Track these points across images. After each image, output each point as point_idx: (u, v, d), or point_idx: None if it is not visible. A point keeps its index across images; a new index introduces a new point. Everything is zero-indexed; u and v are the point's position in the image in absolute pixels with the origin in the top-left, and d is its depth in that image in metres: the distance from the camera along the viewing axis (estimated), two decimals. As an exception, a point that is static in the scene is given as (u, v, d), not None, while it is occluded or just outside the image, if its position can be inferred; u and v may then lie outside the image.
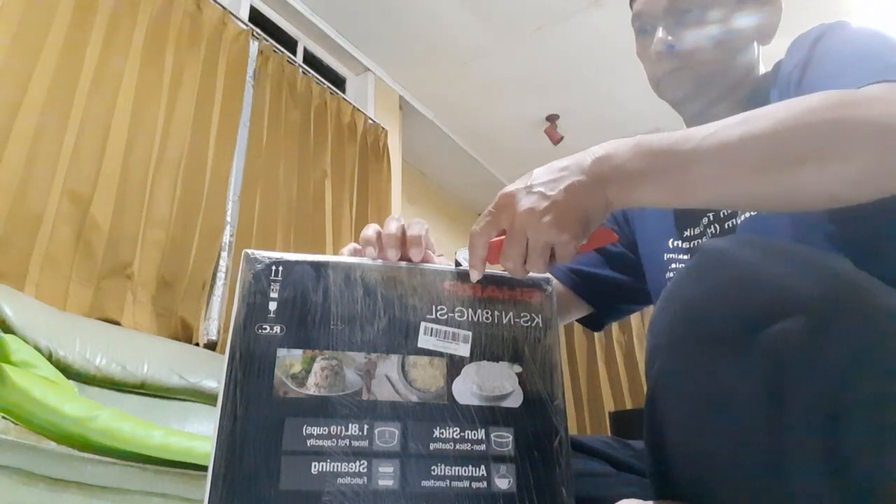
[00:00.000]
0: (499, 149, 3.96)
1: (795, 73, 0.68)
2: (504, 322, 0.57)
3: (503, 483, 0.51)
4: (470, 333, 0.56)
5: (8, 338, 1.34)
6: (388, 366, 0.54)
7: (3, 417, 1.10)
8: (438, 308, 0.57)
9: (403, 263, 0.59)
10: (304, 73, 2.85)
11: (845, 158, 0.47)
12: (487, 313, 0.57)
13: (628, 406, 3.91)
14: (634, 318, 4.19)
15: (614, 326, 4.22)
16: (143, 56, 2.13)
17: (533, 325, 0.57)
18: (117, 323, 1.82)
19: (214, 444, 0.50)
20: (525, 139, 3.82)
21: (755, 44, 0.82)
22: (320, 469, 0.49)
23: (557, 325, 0.58)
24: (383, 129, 3.22)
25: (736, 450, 0.42)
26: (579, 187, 0.53)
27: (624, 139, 0.55)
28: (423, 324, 0.56)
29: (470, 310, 0.57)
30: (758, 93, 0.79)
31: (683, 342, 0.45)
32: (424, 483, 0.50)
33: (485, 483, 0.50)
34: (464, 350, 0.56)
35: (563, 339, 4.15)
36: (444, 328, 0.56)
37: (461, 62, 3.26)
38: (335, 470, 0.49)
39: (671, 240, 0.83)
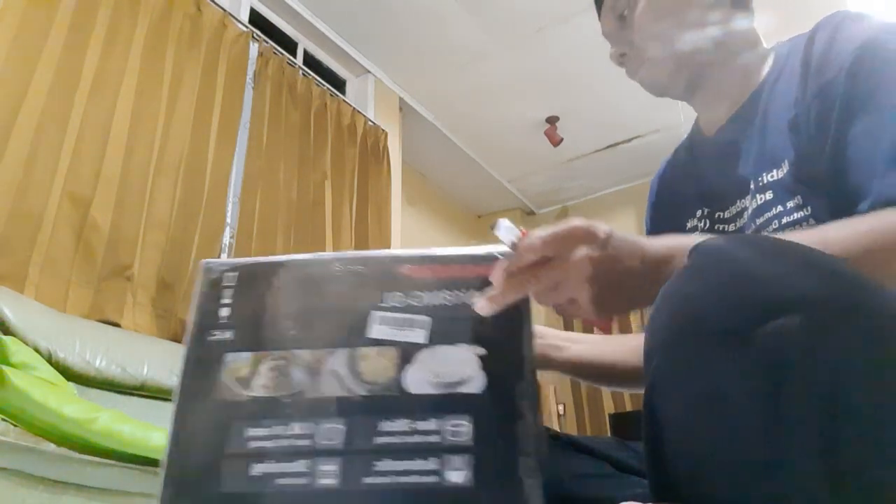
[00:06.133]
0: (499, 150, 3.96)
1: (829, 99, 0.66)
2: (466, 301, 0.53)
3: (457, 476, 0.46)
4: (428, 318, 0.53)
5: (8, 339, 1.34)
6: (337, 361, 0.52)
7: (3, 419, 1.10)
8: (393, 295, 0.54)
9: (358, 253, 0.57)
10: (304, 74, 2.86)
11: None
12: (448, 294, 0.54)
13: (628, 408, 3.91)
14: (634, 319, 4.18)
15: (614, 328, 4.21)
16: (144, 58, 2.13)
17: None
18: (117, 325, 1.82)
19: (166, 450, 0.51)
20: (525, 141, 3.82)
21: (716, 8, 0.80)
22: (261, 471, 0.48)
23: (528, 298, 0.54)
24: (383, 130, 3.23)
25: (732, 449, 0.41)
26: (633, 282, 0.53)
27: (687, 239, 0.53)
28: (375, 313, 0.53)
29: (428, 293, 0.54)
30: (744, 72, 0.79)
31: (680, 341, 0.45)
32: (366, 480, 0.47)
33: (436, 477, 0.47)
34: (419, 336, 0.52)
35: (564, 341, 4.14)
36: (398, 315, 0.53)
37: (461, 64, 3.26)
38: (275, 471, 0.48)
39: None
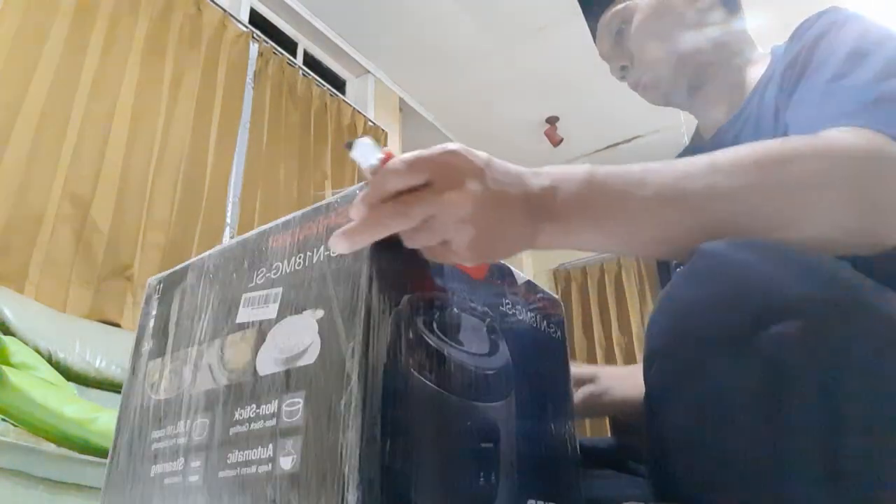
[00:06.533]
0: (499, 151, 3.91)
1: (792, 74, 0.68)
2: (315, 261, 0.46)
3: (287, 462, 0.41)
4: (280, 290, 0.47)
5: (8, 340, 1.34)
6: (211, 353, 0.50)
7: (3, 419, 1.10)
8: (260, 272, 0.49)
9: (241, 237, 0.54)
10: (304, 74, 2.86)
11: (807, 225, 0.47)
12: (300, 258, 0.47)
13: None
14: (634, 320, 4.19)
15: (614, 328, 4.22)
16: (144, 58, 2.13)
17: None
18: (117, 325, 1.82)
19: (108, 455, 0.55)
20: (525, 141, 3.82)
21: (709, 15, 0.82)
22: (156, 471, 0.50)
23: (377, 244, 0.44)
24: (383, 130, 3.23)
25: (733, 453, 0.42)
26: (515, 222, 0.46)
27: (572, 168, 0.49)
28: (244, 296, 0.49)
29: (285, 261, 0.48)
30: (741, 74, 0.81)
31: (680, 345, 0.45)
32: (221, 474, 0.44)
33: (269, 465, 0.41)
34: (272, 311, 0.46)
35: (564, 341, 4.15)
36: (259, 293, 0.48)
37: (461, 64, 3.26)
38: (164, 470, 0.49)
39: None
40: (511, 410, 0.50)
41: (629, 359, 4.07)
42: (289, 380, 0.43)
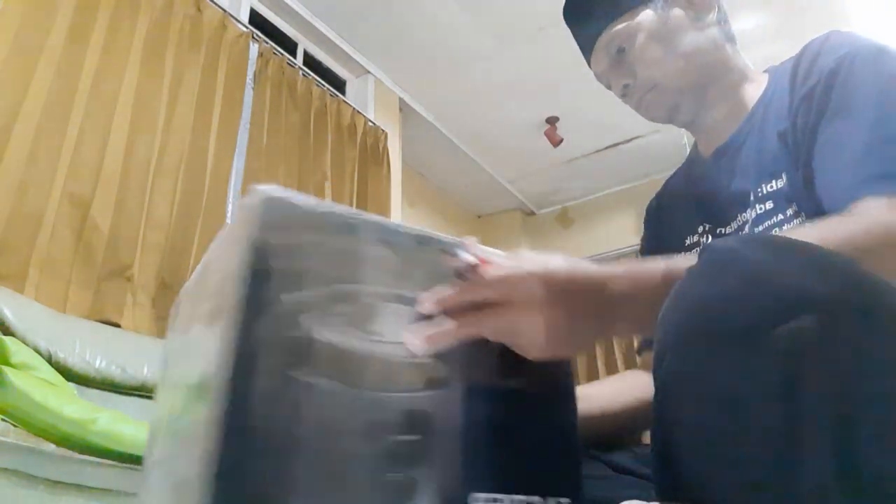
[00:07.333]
0: (499, 151, 3.96)
1: (808, 110, 0.69)
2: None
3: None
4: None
5: (8, 340, 1.34)
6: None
7: (3, 420, 1.10)
8: None
9: None
10: (304, 75, 2.86)
11: None
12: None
13: (628, 408, 3.90)
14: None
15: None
16: (144, 58, 2.13)
17: None
18: (117, 325, 1.82)
19: None
20: (525, 141, 3.82)
21: (709, 34, 0.84)
22: None
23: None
24: (383, 131, 3.23)
25: (746, 450, 0.41)
26: (590, 327, 0.51)
27: (650, 269, 0.52)
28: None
29: None
30: (737, 90, 0.83)
31: (692, 342, 0.44)
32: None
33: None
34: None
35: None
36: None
37: (461, 64, 3.26)
38: None
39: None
40: (452, 400, 0.48)
41: (629, 358, 4.07)
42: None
